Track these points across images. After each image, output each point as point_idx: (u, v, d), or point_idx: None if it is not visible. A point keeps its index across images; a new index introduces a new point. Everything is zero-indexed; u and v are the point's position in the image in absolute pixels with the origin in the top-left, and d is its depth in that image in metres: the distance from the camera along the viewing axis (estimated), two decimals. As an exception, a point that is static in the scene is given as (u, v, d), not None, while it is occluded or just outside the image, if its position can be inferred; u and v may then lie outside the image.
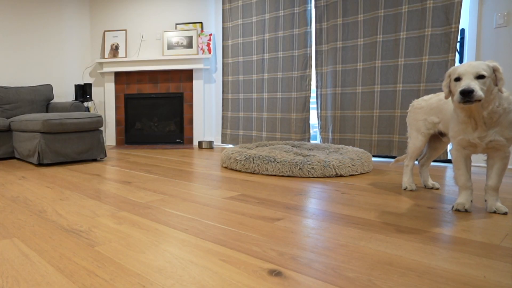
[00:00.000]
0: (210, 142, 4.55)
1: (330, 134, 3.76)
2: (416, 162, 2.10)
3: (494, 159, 1.59)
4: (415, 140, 2.01)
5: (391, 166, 2.94)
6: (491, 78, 1.43)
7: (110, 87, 5.08)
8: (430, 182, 2.14)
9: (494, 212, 1.60)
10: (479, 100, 1.40)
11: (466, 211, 1.63)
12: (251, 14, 4.31)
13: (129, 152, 4.18)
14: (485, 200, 1.64)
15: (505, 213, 1.59)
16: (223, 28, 4.59)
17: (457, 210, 1.64)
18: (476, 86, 1.39)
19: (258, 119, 4.32)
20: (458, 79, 1.46)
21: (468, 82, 1.40)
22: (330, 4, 3.68)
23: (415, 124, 2.01)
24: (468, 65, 1.44)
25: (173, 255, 1.17)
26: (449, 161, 3.21)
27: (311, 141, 4.02)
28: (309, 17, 3.87)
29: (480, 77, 1.41)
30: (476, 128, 1.52)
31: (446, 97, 1.58)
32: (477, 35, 3.00)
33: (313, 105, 3.96)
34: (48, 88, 4.43)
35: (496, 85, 1.45)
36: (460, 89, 1.40)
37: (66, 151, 3.27)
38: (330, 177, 2.54)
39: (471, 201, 1.65)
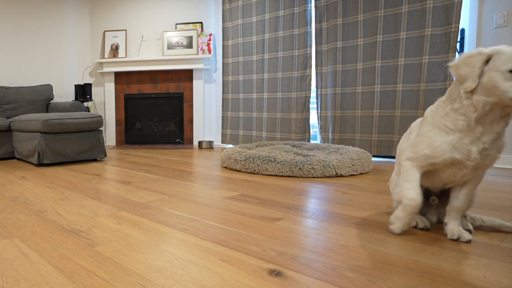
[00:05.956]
0: (210, 142, 4.55)
1: (330, 134, 3.76)
2: None
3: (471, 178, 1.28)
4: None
5: None
6: None
7: (110, 87, 5.08)
8: None
9: (457, 240, 1.28)
10: None
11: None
12: (251, 14, 4.31)
13: (129, 152, 4.18)
14: (445, 224, 1.33)
15: (469, 241, 1.26)
16: (223, 28, 4.59)
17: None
18: None
19: (258, 119, 4.32)
20: None
21: None
22: (330, 4, 3.67)
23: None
24: None
25: (173, 255, 1.17)
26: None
27: (311, 141, 4.02)
28: (309, 17, 3.87)
29: None
30: (478, 138, 1.17)
31: (470, 89, 1.13)
32: (477, 35, 3.00)
33: (313, 105, 3.96)
34: (48, 88, 4.43)
35: None
36: None
37: (66, 151, 3.27)
38: (330, 177, 2.54)
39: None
